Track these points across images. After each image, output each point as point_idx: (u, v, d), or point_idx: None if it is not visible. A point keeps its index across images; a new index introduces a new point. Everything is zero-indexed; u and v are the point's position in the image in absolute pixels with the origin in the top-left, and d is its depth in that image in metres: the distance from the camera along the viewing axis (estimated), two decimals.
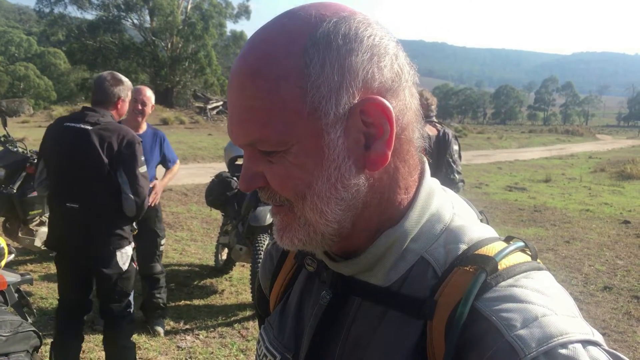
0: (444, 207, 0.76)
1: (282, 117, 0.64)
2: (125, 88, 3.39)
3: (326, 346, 0.78)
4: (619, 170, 17.65)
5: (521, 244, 0.72)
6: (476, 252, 0.69)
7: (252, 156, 0.70)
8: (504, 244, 0.71)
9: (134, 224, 3.49)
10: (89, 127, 3.17)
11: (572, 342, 0.58)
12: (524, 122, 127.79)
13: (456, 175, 4.65)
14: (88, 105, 3.43)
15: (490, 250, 0.69)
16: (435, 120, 4.77)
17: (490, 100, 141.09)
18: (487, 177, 15.84)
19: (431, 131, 4.58)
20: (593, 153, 27.69)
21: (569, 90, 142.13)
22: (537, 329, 0.59)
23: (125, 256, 3.33)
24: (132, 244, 3.44)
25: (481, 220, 0.82)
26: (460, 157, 4.81)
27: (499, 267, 0.66)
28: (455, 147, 4.71)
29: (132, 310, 3.48)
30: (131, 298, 3.47)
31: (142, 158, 3.28)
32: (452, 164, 4.64)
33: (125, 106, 3.44)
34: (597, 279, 6.43)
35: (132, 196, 3.19)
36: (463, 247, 0.71)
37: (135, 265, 3.56)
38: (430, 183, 0.77)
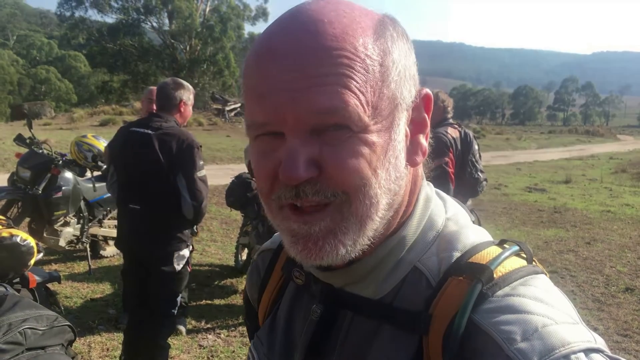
0: (437, 213, 0.74)
1: (372, 91, 0.62)
2: (187, 91, 3.46)
3: None
4: None
5: (516, 247, 0.70)
6: (470, 260, 0.67)
7: (304, 140, 0.61)
8: (499, 249, 0.69)
9: (195, 227, 3.57)
10: (152, 132, 3.28)
11: (574, 352, 0.56)
12: (544, 122, 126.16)
13: (480, 174, 4.71)
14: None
15: (484, 257, 0.67)
16: (453, 121, 4.79)
17: (509, 101, 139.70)
18: (506, 178, 15.72)
19: (454, 133, 4.61)
20: (614, 154, 27.30)
21: (589, 91, 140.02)
22: (537, 341, 0.57)
23: (181, 257, 3.42)
24: (190, 247, 3.52)
25: (473, 222, 0.80)
26: (480, 156, 4.86)
27: (495, 276, 0.64)
28: (476, 147, 4.78)
29: (175, 311, 3.53)
30: (179, 299, 3.53)
31: (201, 162, 3.34)
32: (476, 163, 4.70)
33: (188, 109, 3.49)
34: (619, 280, 6.36)
35: (190, 200, 3.26)
36: (456, 254, 0.68)
37: (189, 268, 3.61)
38: (427, 189, 0.76)
